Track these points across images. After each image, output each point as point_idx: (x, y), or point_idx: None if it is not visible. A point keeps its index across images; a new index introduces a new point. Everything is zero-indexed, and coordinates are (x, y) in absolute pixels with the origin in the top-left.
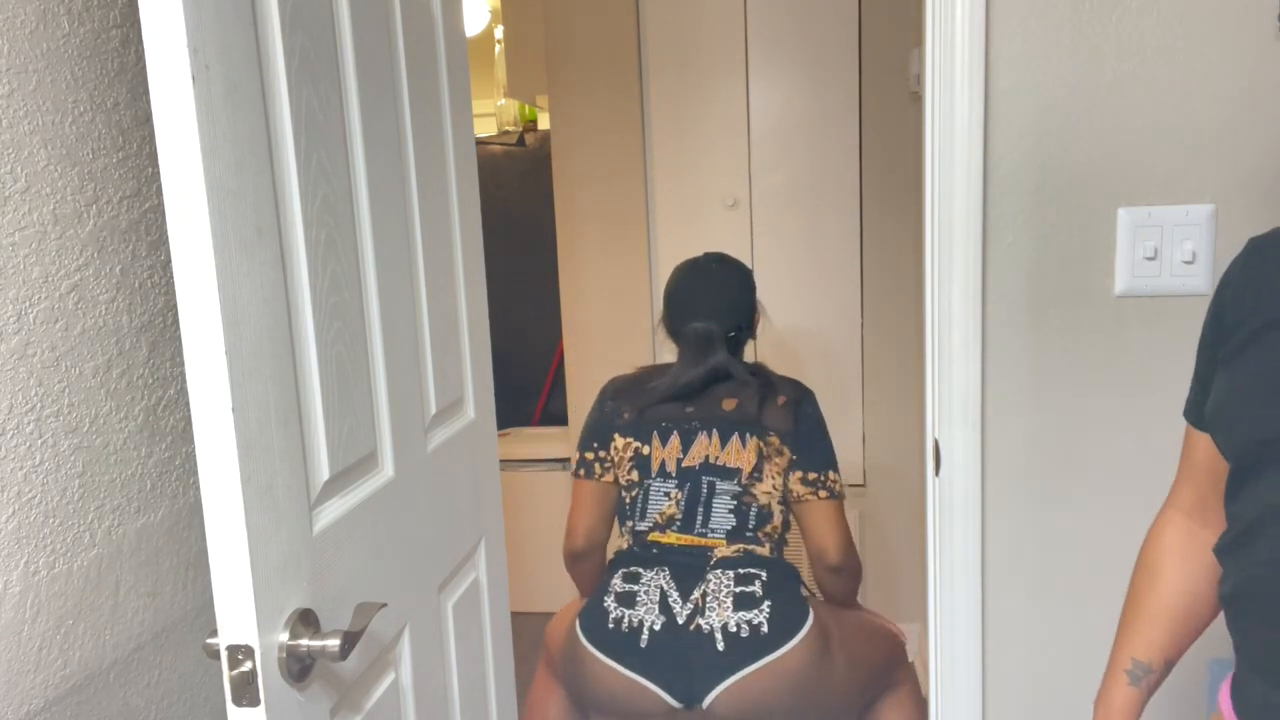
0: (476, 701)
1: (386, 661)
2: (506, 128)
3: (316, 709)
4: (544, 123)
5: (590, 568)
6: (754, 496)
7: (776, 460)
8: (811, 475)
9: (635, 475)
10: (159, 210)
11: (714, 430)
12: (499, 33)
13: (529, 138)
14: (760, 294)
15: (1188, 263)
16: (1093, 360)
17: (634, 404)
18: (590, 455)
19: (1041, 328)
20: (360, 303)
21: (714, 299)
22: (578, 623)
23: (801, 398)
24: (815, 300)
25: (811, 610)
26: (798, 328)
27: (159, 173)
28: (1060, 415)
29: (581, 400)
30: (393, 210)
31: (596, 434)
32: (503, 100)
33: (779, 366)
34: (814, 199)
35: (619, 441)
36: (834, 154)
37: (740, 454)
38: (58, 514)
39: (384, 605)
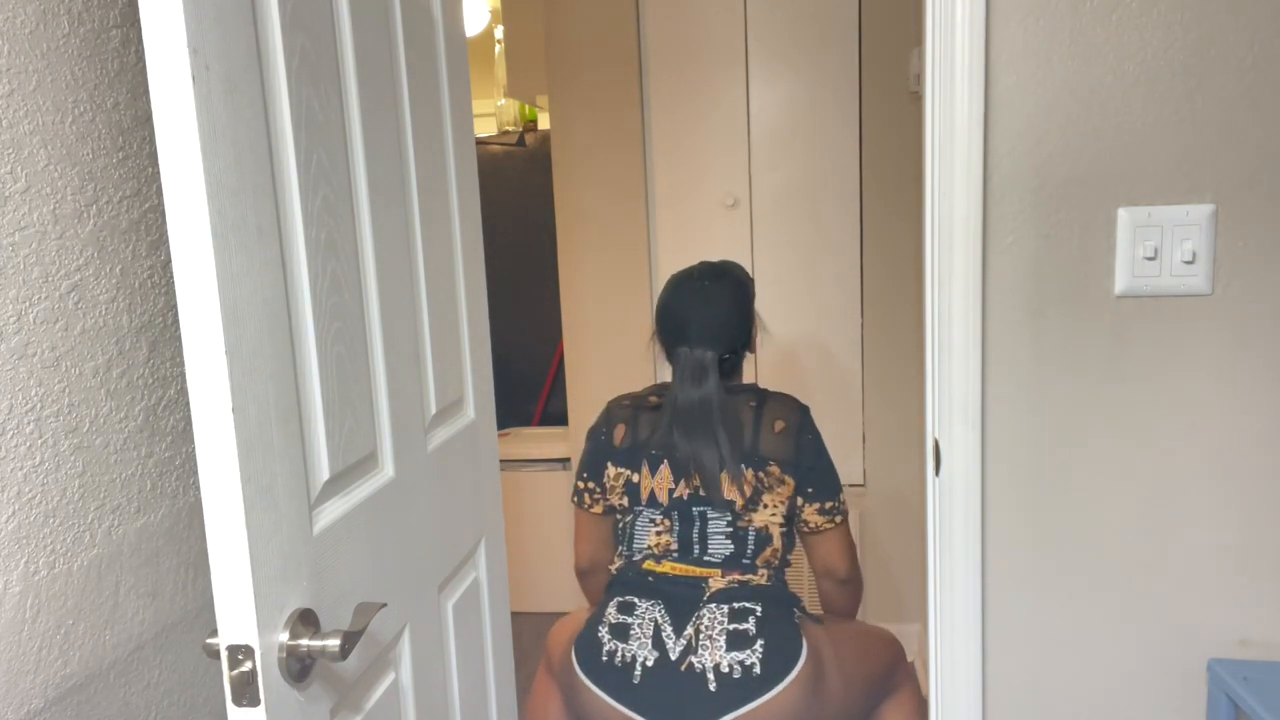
0: (476, 701)
1: (386, 661)
2: (506, 128)
3: (316, 709)
4: (544, 123)
5: (598, 584)
6: (749, 522)
7: (779, 490)
8: (829, 505)
9: (625, 502)
10: (159, 210)
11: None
12: (499, 33)
13: (529, 138)
14: (760, 294)
15: (1188, 263)
16: (1093, 360)
17: (630, 431)
18: (583, 485)
19: (1041, 328)
20: (360, 303)
21: (706, 321)
22: (573, 651)
23: (801, 423)
24: (815, 300)
25: (805, 644)
26: (797, 328)
27: (159, 173)
28: (1060, 415)
29: (581, 400)
30: (393, 210)
31: (591, 464)
32: (503, 100)
33: (778, 367)
34: (814, 199)
35: (611, 471)
36: (834, 154)
37: (732, 488)
38: (58, 514)
39: (384, 605)
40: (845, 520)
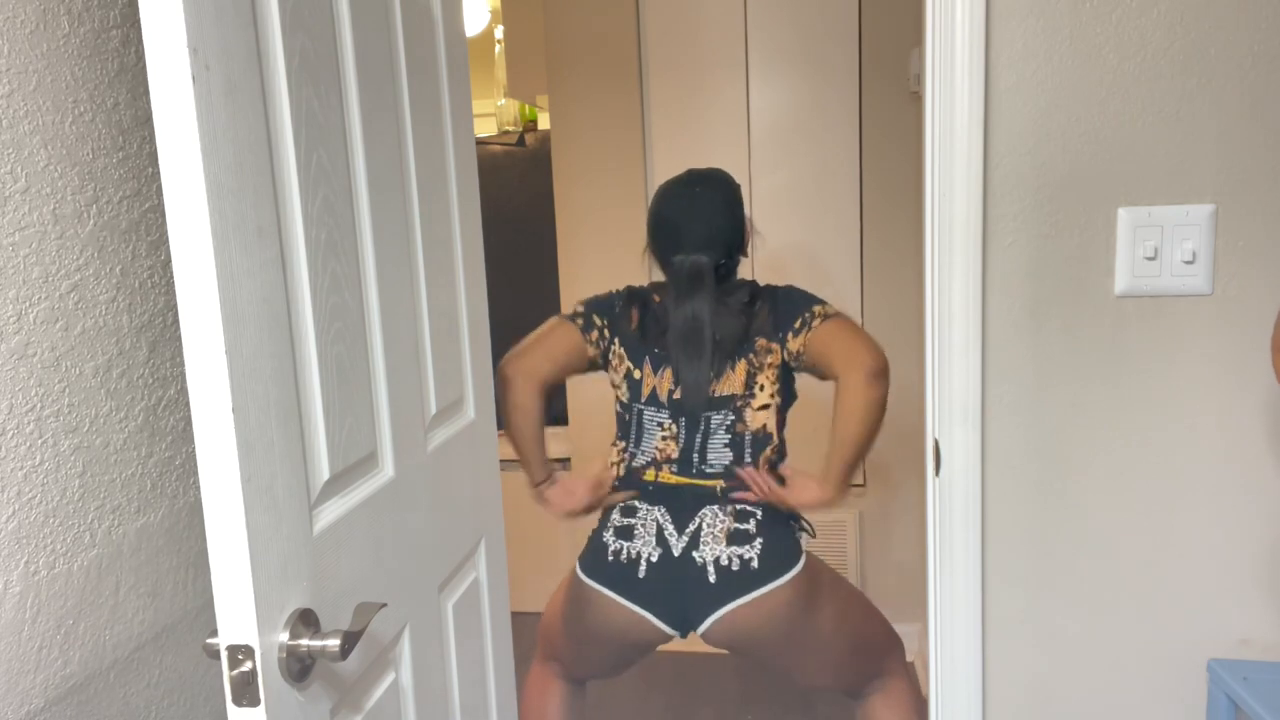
0: (476, 701)
1: (386, 661)
2: (506, 128)
3: (316, 709)
4: (544, 123)
5: (521, 394)
6: (745, 423)
7: (768, 359)
8: (815, 309)
9: (625, 393)
10: (159, 210)
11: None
12: (499, 33)
13: (529, 138)
14: None
15: (1188, 263)
16: (1093, 360)
17: (641, 323)
18: (600, 321)
19: (1041, 328)
20: (360, 303)
21: (700, 228)
22: (578, 565)
23: (777, 293)
24: None
25: (804, 558)
26: None
27: (159, 173)
28: (1060, 415)
29: (581, 400)
30: (393, 210)
31: (609, 317)
32: (503, 100)
33: None
34: (814, 199)
35: (618, 348)
36: (834, 154)
37: (730, 379)
38: (58, 514)
39: (384, 605)
40: (834, 319)
